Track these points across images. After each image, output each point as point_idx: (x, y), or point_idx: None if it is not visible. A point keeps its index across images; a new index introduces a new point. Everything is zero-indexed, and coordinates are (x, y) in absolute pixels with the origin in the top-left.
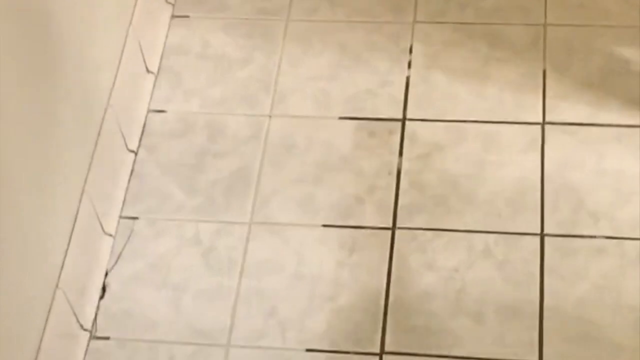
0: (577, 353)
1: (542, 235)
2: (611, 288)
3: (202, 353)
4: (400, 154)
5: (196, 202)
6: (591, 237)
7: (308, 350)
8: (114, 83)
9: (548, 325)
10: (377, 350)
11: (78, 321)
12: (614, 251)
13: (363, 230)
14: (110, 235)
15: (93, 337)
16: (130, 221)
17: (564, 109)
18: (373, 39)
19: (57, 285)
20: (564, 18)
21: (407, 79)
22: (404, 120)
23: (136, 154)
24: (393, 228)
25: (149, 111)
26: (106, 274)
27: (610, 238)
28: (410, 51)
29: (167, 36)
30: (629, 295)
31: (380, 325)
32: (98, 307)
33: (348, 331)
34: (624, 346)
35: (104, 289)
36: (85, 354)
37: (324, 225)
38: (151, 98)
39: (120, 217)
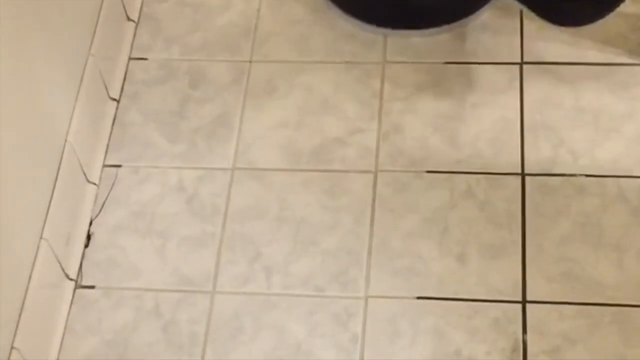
0: (560, 291)
1: (523, 175)
2: (593, 226)
3: (187, 300)
4: (381, 97)
5: (179, 149)
6: (571, 175)
7: (293, 295)
8: (94, 32)
9: (531, 264)
10: (362, 294)
11: (63, 271)
12: (595, 189)
13: (345, 174)
14: (94, 183)
15: (78, 286)
16: (114, 169)
17: (541, 48)
18: None
19: (41, 236)
20: None
21: None
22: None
23: (118, 102)
24: (375, 171)
25: (130, 59)
26: (90, 223)
27: (590, 176)
28: None
29: None
30: (610, 233)
31: (365, 268)
32: (83, 256)
33: (333, 275)
34: (606, 283)
35: (88, 238)
36: (71, 304)
37: (307, 170)
38: (132, 46)
39: (104, 165)
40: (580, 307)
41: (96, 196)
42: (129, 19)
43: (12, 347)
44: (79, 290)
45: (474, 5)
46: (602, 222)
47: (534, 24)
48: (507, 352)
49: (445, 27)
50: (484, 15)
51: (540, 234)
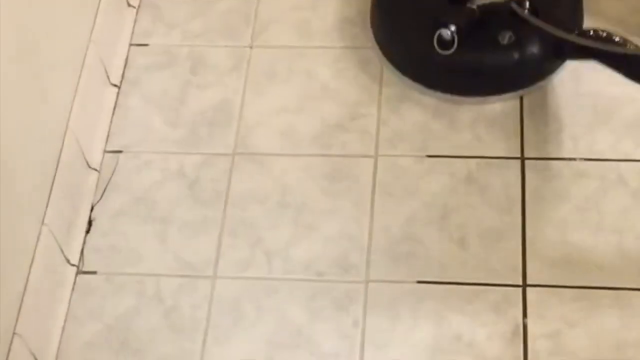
0: (559, 275)
1: (523, 159)
2: (592, 210)
3: (188, 285)
4: (381, 82)
5: (180, 134)
6: (571, 159)
7: (294, 279)
8: (95, 19)
9: (531, 248)
10: (363, 279)
11: (65, 257)
12: (595, 173)
13: (346, 159)
14: (95, 169)
15: (80, 272)
16: (115, 155)
17: None
18: None
19: (42, 222)
20: None
21: None
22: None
23: (119, 87)
24: (375, 156)
25: (130, 45)
26: (92, 209)
27: (590, 160)
28: None
29: None
30: (610, 217)
31: (366, 253)
32: (84, 242)
33: (333, 259)
34: (605, 267)
35: (89, 224)
36: (73, 289)
37: (307, 155)
38: (133, 32)
39: (105, 151)
40: (580, 291)
41: (97, 182)
42: (129, 4)
43: (14, 333)
44: (80, 276)
45: None
46: (601, 206)
47: None
48: (507, 335)
49: None
50: None
51: (540, 218)
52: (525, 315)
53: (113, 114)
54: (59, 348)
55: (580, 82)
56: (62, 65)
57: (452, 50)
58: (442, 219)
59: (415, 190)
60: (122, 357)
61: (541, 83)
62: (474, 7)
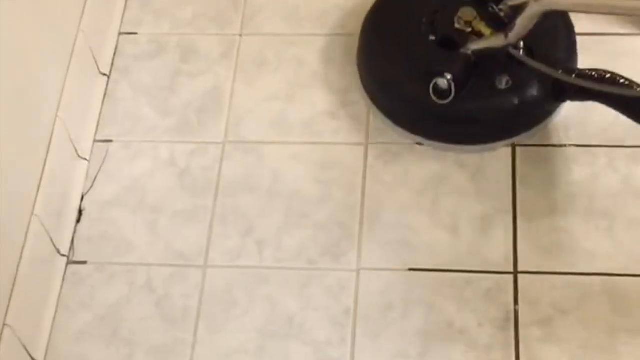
0: (551, 262)
1: (514, 145)
2: (582, 195)
3: (179, 274)
4: None
5: (170, 123)
6: (561, 146)
7: (286, 268)
8: (84, 8)
9: (522, 235)
10: (354, 267)
11: (55, 246)
12: (584, 159)
13: (336, 146)
14: (85, 159)
15: (70, 261)
16: (105, 144)
17: None
18: None
19: (32, 212)
20: None
21: None
22: None
23: (109, 77)
24: (366, 143)
25: (120, 34)
26: (82, 198)
27: (579, 146)
28: None
29: None
30: (599, 202)
31: (357, 240)
32: (75, 232)
33: (325, 247)
34: (596, 253)
35: (80, 214)
36: (63, 279)
37: (298, 143)
38: (122, 21)
39: (95, 140)
40: (571, 277)
41: (87, 171)
42: None
43: (4, 325)
44: (71, 266)
45: None
46: (591, 191)
47: None
48: (499, 322)
49: None
50: None
51: (531, 204)
52: (516, 302)
53: (103, 103)
54: (49, 339)
55: None
56: (52, 54)
57: (450, 99)
58: (433, 206)
59: (406, 178)
60: (113, 346)
61: (541, 126)
62: (469, 52)
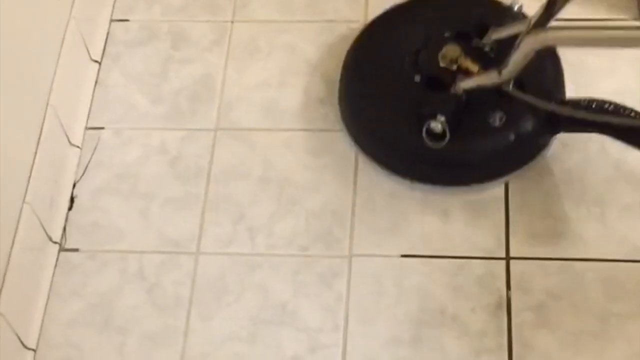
0: (543, 247)
1: None
2: (574, 182)
3: (171, 261)
4: None
5: (161, 110)
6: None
7: (278, 255)
8: None
9: (514, 221)
10: (347, 253)
11: (47, 234)
12: (577, 146)
13: (328, 133)
14: (77, 146)
15: (62, 249)
16: (96, 132)
17: None
18: None
19: (24, 200)
20: None
21: None
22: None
23: (100, 64)
24: None
25: (111, 21)
26: (74, 186)
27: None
28: None
29: None
30: (592, 189)
31: (349, 227)
32: (66, 219)
33: (317, 234)
34: (589, 239)
35: (72, 201)
36: (55, 267)
37: (290, 130)
38: (113, 7)
39: (86, 127)
40: (564, 263)
41: (79, 159)
42: None
43: None
44: (62, 254)
45: None
46: (583, 179)
47: None
48: (492, 308)
49: None
50: None
51: (524, 190)
52: (509, 287)
53: (94, 90)
54: (41, 326)
55: (562, 53)
56: (43, 41)
57: (445, 142)
58: (424, 193)
59: None
60: (105, 334)
61: (538, 158)
62: (459, 92)
